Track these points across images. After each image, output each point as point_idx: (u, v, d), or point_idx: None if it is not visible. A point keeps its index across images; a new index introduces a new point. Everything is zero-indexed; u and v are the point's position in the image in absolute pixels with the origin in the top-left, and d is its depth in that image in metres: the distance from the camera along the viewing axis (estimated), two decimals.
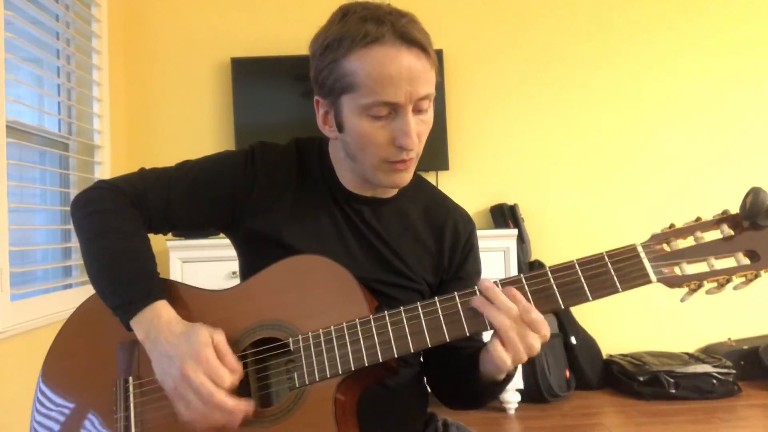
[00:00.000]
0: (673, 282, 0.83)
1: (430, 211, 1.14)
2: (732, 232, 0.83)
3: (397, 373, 0.98)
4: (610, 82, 3.47)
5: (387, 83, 0.92)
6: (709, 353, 3.28)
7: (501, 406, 2.97)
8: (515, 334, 0.85)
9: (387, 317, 0.91)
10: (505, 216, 3.29)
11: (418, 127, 0.97)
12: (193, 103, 3.39)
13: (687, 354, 3.30)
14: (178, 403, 0.90)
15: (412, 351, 0.90)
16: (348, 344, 0.91)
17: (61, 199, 2.87)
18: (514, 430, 2.82)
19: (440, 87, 3.25)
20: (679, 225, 0.85)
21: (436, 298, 0.90)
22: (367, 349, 0.90)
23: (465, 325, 0.88)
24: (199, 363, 0.88)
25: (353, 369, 0.90)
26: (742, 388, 3.09)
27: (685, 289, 0.84)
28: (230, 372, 0.89)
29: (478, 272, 1.16)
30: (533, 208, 3.40)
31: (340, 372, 0.91)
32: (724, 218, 0.83)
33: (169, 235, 1.14)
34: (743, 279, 0.82)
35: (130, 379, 0.99)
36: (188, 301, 1.02)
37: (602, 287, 0.85)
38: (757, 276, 0.81)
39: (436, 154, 3.23)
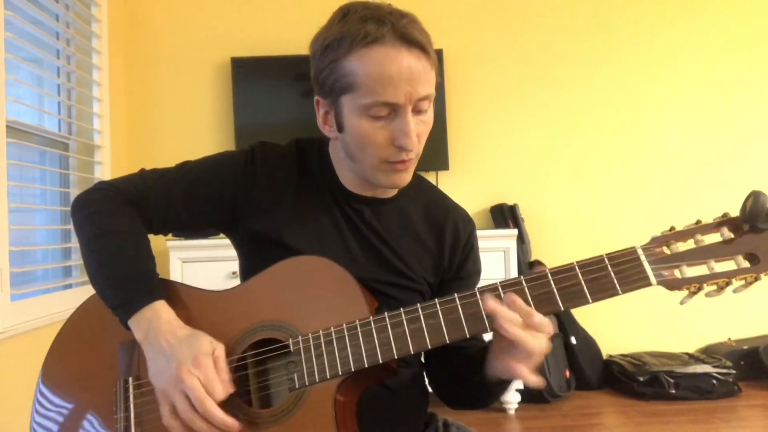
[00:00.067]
0: (673, 285, 0.83)
1: (431, 211, 1.14)
2: (732, 235, 0.82)
3: (397, 374, 0.98)
4: (610, 82, 3.47)
5: (387, 83, 0.92)
6: (709, 353, 3.28)
7: (501, 406, 2.97)
8: (528, 341, 0.84)
9: (387, 318, 0.90)
10: (505, 216, 3.29)
11: (418, 128, 0.97)
12: (193, 103, 3.39)
13: (687, 354, 3.30)
14: (164, 404, 0.90)
15: (412, 352, 0.89)
16: (348, 345, 0.91)
17: (61, 199, 2.87)
18: (514, 430, 2.82)
19: (440, 87, 3.25)
20: (679, 227, 0.85)
21: (436, 299, 0.90)
22: (367, 351, 0.90)
23: (465, 327, 0.88)
24: (197, 368, 0.88)
25: (353, 370, 0.90)
26: (742, 388, 3.09)
27: (685, 292, 0.84)
28: (222, 388, 0.89)
29: (479, 272, 1.16)
30: (533, 208, 3.40)
31: (340, 373, 0.91)
32: (724, 221, 0.83)
33: (169, 235, 1.14)
34: (743, 282, 0.82)
35: (130, 379, 0.99)
36: (188, 302, 1.02)
37: (602, 289, 0.84)
38: (756, 279, 0.81)
39: (436, 154, 3.23)
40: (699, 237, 0.84)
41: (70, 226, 2.78)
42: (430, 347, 0.90)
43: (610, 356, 3.33)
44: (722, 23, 3.47)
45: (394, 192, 1.11)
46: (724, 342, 3.38)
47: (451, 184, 3.32)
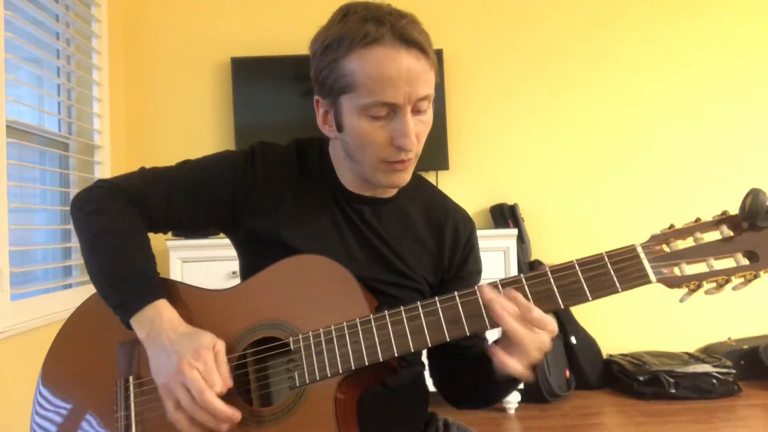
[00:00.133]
0: (672, 282, 0.83)
1: (430, 210, 1.14)
2: (731, 233, 0.83)
3: (398, 373, 0.98)
4: (610, 82, 3.47)
5: (386, 84, 0.92)
6: (709, 353, 3.28)
7: (501, 406, 2.97)
8: (524, 335, 0.84)
9: (387, 317, 0.91)
10: (505, 216, 3.29)
11: (417, 128, 0.97)
12: (193, 103, 3.39)
13: (687, 354, 3.30)
14: (168, 400, 0.91)
15: (413, 350, 0.90)
16: (348, 343, 0.91)
17: (61, 199, 2.87)
18: (514, 430, 2.82)
19: (440, 87, 3.26)
20: (678, 226, 0.85)
21: (436, 297, 0.90)
22: (368, 349, 0.90)
23: (465, 325, 0.88)
24: (197, 360, 0.89)
25: (354, 368, 0.91)
26: (742, 388, 3.09)
27: (685, 290, 0.84)
28: (222, 381, 0.89)
29: (479, 271, 1.16)
30: (533, 208, 3.40)
31: (341, 371, 0.91)
32: (724, 219, 0.83)
33: (169, 235, 1.15)
34: (742, 279, 0.82)
35: (131, 378, 0.99)
36: (188, 301, 1.02)
37: (602, 287, 0.85)
38: (756, 276, 0.82)
39: (436, 154, 3.23)
40: (698, 235, 0.84)
41: (70, 226, 2.78)
42: (430, 345, 0.90)
43: (610, 356, 3.33)
44: (722, 23, 3.47)
45: (394, 192, 1.11)
46: (724, 342, 3.38)
47: (451, 184, 3.32)
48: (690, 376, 3.03)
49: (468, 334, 0.88)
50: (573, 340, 3.23)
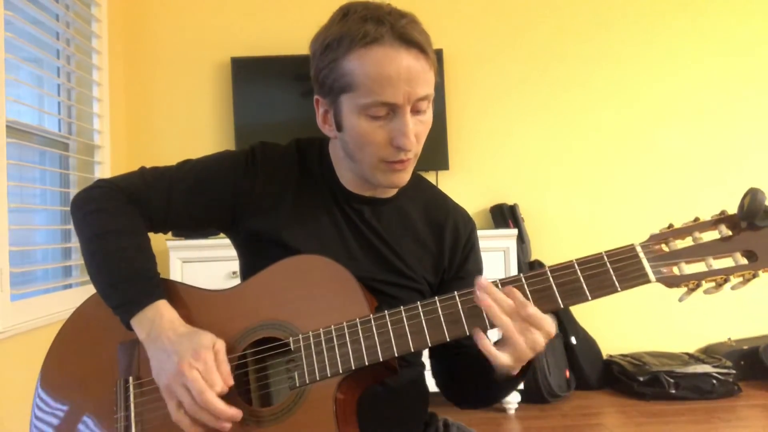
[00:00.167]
0: (671, 282, 0.84)
1: (430, 210, 1.14)
2: (730, 233, 0.83)
3: (398, 373, 0.98)
4: (610, 82, 3.47)
5: (385, 83, 0.92)
6: (709, 353, 3.28)
7: (501, 407, 2.97)
8: (515, 330, 0.85)
9: (387, 316, 0.91)
10: (505, 216, 3.29)
11: (417, 128, 0.97)
12: (193, 103, 3.39)
13: (687, 354, 3.30)
14: (170, 400, 0.91)
15: (413, 350, 0.90)
16: (348, 343, 0.91)
17: (61, 199, 2.87)
18: (514, 430, 2.82)
19: (440, 87, 3.26)
20: (677, 225, 0.85)
21: (436, 297, 0.90)
22: (368, 348, 0.90)
23: (465, 324, 0.88)
24: (197, 361, 0.89)
25: (354, 368, 0.91)
26: (742, 388, 3.09)
27: (684, 289, 0.84)
28: (222, 380, 0.90)
29: (480, 270, 1.16)
30: (533, 208, 3.40)
31: (341, 371, 0.91)
32: (722, 219, 0.84)
33: (169, 235, 1.14)
34: (741, 279, 0.82)
35: (131, 379, 0.99)
36: (188, 301, 1.02)
37: (601, 287, 0.85)
38: (754, 276, 0.82)
39: (436, 154, 3.23)
40: (697, 234, 0.84)
41: (70, 226, 2.78)
42: (430, 345, 0.90)
43: (610, 356, 3.33)
44: (722, 23, 3.47)
45: (394, 192, 1.11)
46: (724, 342, 3.38)
47: (451, 184, 3.31)
48: (690, 377, 3.03)
49: (468, 333, 0.88)
50: (573, 340, 3.23)
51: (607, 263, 0.85)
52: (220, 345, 0.93)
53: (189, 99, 3.39)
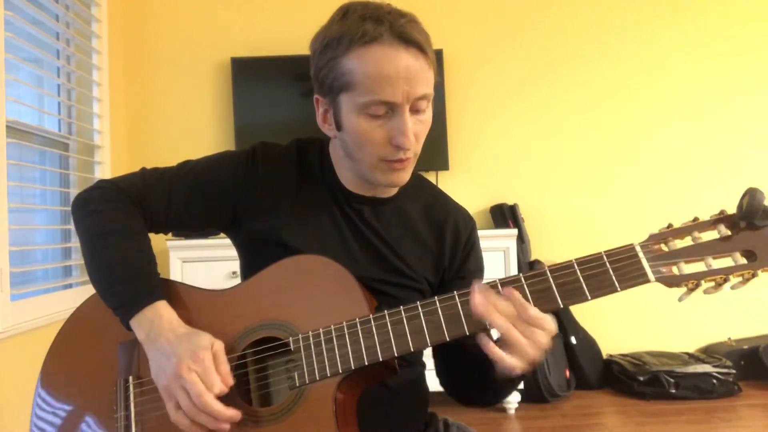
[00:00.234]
0: (671, 281, 0.83)
1: (431, 210, 1.14)
2: (729, 232, 0.83)
3: (398, 373, 0.98)
4: (610, 82, 3.47)
5: (384, 82, 0.92)
6: (709, 353, 3.28)
7: (501, 406, 2.96)
8: (518, 334, 0.84)
9: (387, 317, 0.91)
10: (505, 216, 3.29)
11: (416, 127, 0.97)
12: (193, 103, 3.39)
13: (687, 354, 3.30)
14: (169, 401, 0.91)
15: (412, 350, 0.90)
16: (348, 343, 0.91)
17: (61, 199, 2.87)
18: (514, 430, 2.82)
19: (440, 87, 3.26)
20: (677, 225, 0.85)
21: (435, 297, 0.90)
22: (367, 349, 0.90)
23: (465, 325, 0.88)
24: (195, 363, 0.89)
25: (353, 368, 0.90)
26: (742, 388, 3.09)
27: (683, 289, 0.84)
28: (221, 381, 0.90)
29: (481, 269, 1.16)
30: (533, 208, 3.40)
31: (341, 371, 0.91)
32: (721, 218, 0.84)
33: (169, 235, 1.15)
34: (740, 279, 0.82)
35: (131, 378, 0.99)
36: (188, 301, 1.02)
37: (601, 287, 0.85)
38: (754, 276, 0.82)
39: (436, 154, 3.23)
40: (696, 234, 0.84)
41: (70, 226, 2.79)
42: (430, 345, 0.90)
43: (610, 356, 3.33)
44: (722, 24, 3.47)
45: (394, 191, 1.11)
46: (724, 342, 3.38)
47: (451, 184, 3.32)
48: (690, 376, 3.03)
49: (468, 333, 0.88)
50: (573, 340, 3.24)
51: (607, 263, 0.85)
52: (219, 345, 0.92)
53: (189, 99, 3.39)
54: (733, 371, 3.05)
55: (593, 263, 0.85)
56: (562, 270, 0.86)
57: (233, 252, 1.15)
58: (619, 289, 0.84)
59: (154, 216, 1.08)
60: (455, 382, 1.12)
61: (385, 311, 0.91)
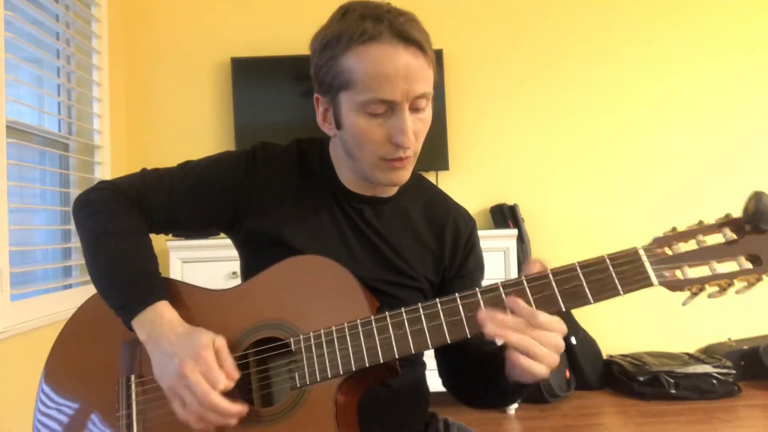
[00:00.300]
0: (674, 285, 0.83)
1: (431, 209, 1.14)
2: (734, 236, 0.82)
3: (399, 374, 0.98)
4: (610, 82, 3.47)
5: (384, 81, 0.92)
6: (709, 353, 3.28)
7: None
8: (536, 345, 0.83)
9: (388, 318, 0.90)
10: (505, 216, 3.29)
11: (416, 126, 0.97)
12: (193, 103, 3.39)
13: (687, 354, 3.31)
14: (175, 401, 0.91)
15: (413, 352, 0.89)
16: (349, 344, 0.91)
17: (61, 199, 2.87)
18: (514, 430, 2.82)
19: (440, 87, 3.26)
20: (681, 228, 0.84)
21: (437, 299, 0.90)
22: (368, 350, 0.90)
23: (466, 327, 0.88)
24: (197, 363, 0.89)
25: (354, 369, 0.90)
26: (742, 388, 3.09)
27: (687, 293, 0.83)
28: (226, 376, 0.90)
29: (482, 268, 1.16)
30: (533, 208, 3.40)
31: (341, 372, 0.91)
32: (727, 222, 0.83)
33: (169, 235, 1.15)
34: (745, 283, 0.81)
35: (133, 377, 0.99)
36: (190, 301, 1.02)
37: (603, 290, 0.84)
38: (759, 280, 0.81)
39: (436, 154, 3.23)
40: (701, 238, 0.83)
41: (70, 226, 2.78)
42: (431, 347, 0.90)
43: (610, 356, 3.33)
44: (722, 24, 3.47)
45: (395, 191, 1.11)
46: (724, 342, 3.38)
47: (451, 184, 3.32)
48: (690, 377, 3.03)
49: (469, 336, 0.88)
50: (573, 340, 3.24)
51: (610, 266, 0.84)
52: (220, 341, 0.92)
53: (189, 99, 3.39)
54: (733, 371, 3.05)
55: (596, 266, 0.85)
56: (565, 273, 0.85)
57: (233, 252, 1.15)
58: (621, 292, 0.83)
59: (154, 216, 1.08)
60: (460, 384, 1.12)
61: (387, 312, 0.91)
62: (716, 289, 0.82)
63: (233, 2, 3.42)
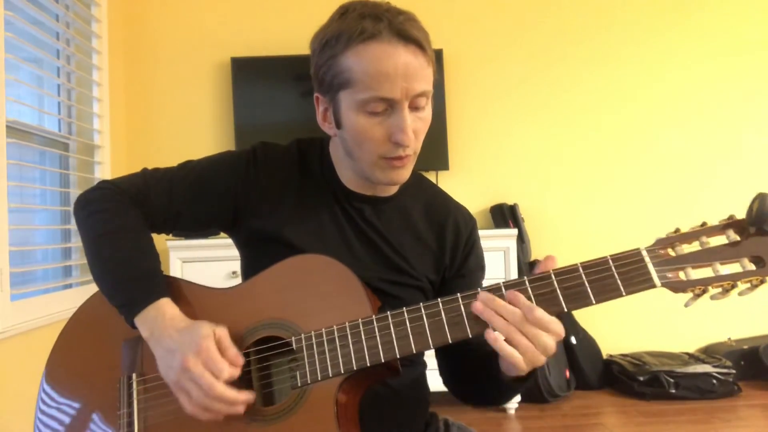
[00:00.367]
0: (677, 287, 0.83)
1: (431, 209, 1.14)
2: (738, 238, 0.81)
3: (400, 373, 0.98)
4: (610, 82, 3.47)
5: (383, 79, 0.92)
6: (709, 353, 3.28)
7: (501, 407, 2.97)
8: (523, 337, 0.84)
9: (389, 317, 0.91)
10: (505, 216, 3.29)
11: (415, 124, 0.97)
12: (193, 103, 3.39)
13: (687, 354, 3.31)
14: (181, 396, 0.91)
15: (414, 352, 0.89)
16: (350, 344, 0.91)
17: (61, 199, 2.87)
18: (514, 430, 2.82)
19: (440, 87, 3.26)
20: (684, 229, 0.84)
21: (438, 299, 0.90)
22: (369, 349, 0.90)
23: (467, 327, 0.88)
24: (199, 355, 0.89)
25: (355, 369, 0.90)
26: (742, 388, 3.09)
27: (690, 294, 0.83)
28: (230, 365, 0.90)
29: (482, 267, 1.16)
30: (533, 208, 3.40)
31: (342, 371, 0.91)
32: (730, 223, 0.83)
33: (170, 234, 1.15)
34: (748, 285, 0.81)
35: (134, 375, 0.99)
36: (192, 299, 1.03)
37: (606, 291, 0.84)
38: (762, 282, 0.80)
39: (436, 154, 3.23)
40: (704, 239, 0.83)
41: (70, 226, 2.78)
42: (432, 347, 0.90)
43: (610, 356, 3.33)
44: (722, 24, 3.47)
45: (395, 190, 1.11)
46: (724, 342, 3.38)
47: (451, 184, 3.32)
48: (690, 377, 3.03)
49: (470, 336, 0.88)
50: (573, 340, 3.24)
51: (612, 267, 0.84)
52: (221, 331, 0.92)
53: (189, 99, 3.39)
54: (733, 371, 3.05)
55: (598, 267, 0.85)
56: (567, 273, 0.85)
57: (233, 252, 1.15)
58: (624, 294, 0.83)
59: (155, 216, 1.08)
60: (459, 382, 1.12)
61: (388, 312, 0.91)
62: (719, 290, 0.82)
63: (233, 2, 3.42)
